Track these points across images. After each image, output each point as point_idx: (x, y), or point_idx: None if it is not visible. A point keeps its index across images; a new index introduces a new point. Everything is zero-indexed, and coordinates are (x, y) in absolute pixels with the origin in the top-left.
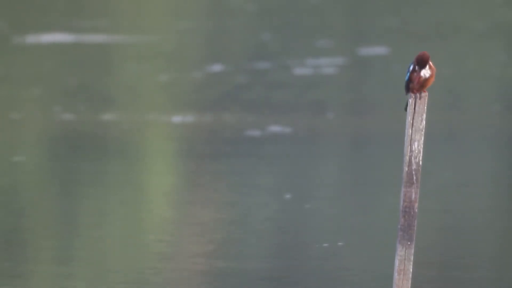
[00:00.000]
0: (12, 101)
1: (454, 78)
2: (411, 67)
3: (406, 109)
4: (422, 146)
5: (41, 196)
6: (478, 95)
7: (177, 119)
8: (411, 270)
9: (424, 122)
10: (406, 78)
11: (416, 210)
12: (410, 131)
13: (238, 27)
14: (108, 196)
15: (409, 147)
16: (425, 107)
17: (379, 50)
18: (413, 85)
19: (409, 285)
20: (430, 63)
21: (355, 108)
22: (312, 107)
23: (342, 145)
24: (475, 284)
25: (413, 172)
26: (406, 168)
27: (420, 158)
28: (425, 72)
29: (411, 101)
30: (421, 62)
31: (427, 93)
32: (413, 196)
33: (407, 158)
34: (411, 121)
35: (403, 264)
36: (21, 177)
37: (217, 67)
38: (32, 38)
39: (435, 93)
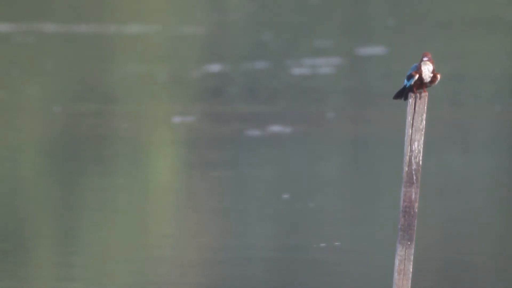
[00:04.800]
0: (9, 97)
1: (454, 78)
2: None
3: (394, 97)
4: (422, 146)
5: (41, 197)
6: (479, 95)
7: (176, 119)
8: (411, 270)
9: (424, 122)
10: (407, 83)
11: (416, 210)
12: (410, 131)
13: (237, 27)
14: (108, 196)
15: (409, 147)
16: (425, 107)
17: (378, 50)
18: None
19: (409, 285)
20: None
21: (354, 107)
22: (311, 107)
23: (342, 145)
24: (475, 284)
25: (413, 172)
26: (406, 168)
27: (420, 158)
28: (427, 72)
29: (411, 101)
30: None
31: (427, 93)
32: (413, 196)
33: (407, 158)
34: (411, 121)
35: (403, 264)
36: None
37: (215, 67)
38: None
39: (435, 93)
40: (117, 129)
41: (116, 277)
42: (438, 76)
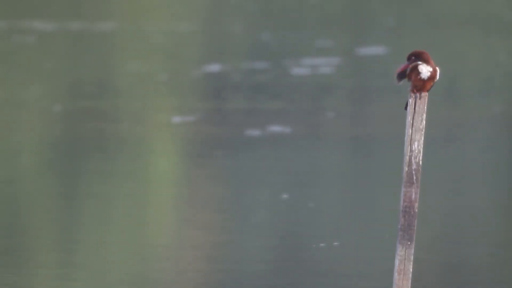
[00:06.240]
0: (7, 97)
1: (454, 78)
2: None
3: (406, 108)
4: (422, 146)
5: (41, 196)
6: (478, 95)
7: (176, 119)
8: (411, 270)
9: (424, 122)
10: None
11: (416, 210)
12: (410, 131)
13: (237, 27)
14: (108, 196)
15: (409, 147)
16: (425, 107)
17: (378, 50)
18: (412, 84)
19: (409, 285)
20: (432, 62)
21: (354, 107)
22: (311, 107)
23: (342, 145)
24: (476, 284)
25: (413, 172)
26: (406, 168)
27: (420, 158)
28: (425, 72)
29: (411, 101)
30: (420, 57)
31: (427, 93)
32: (413, 196)
33: (407, 158)
34: (411, 121)
35: (403, 264)
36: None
37: (215, 67)
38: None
39: (434, 92)
40: (117, 128)
41: (116, 277)
42: (437, 69)
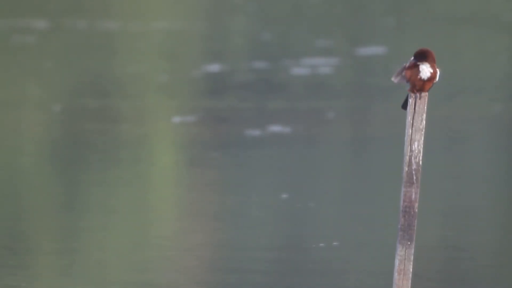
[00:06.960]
0: (7, 96)
1: (454, 77)
2: (410, 62)
3: (403, 107)
4: (422, 146)
5: (41, 196)
6: (478, 95)
7: (176, 119)
8: (411, 270)
9: (424, 122)
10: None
11: (416, 210)
12: (410, 131)
13: (237, 27)
14: (108, 196)
15: (409, 147)
16: (425, 107)
17: (378, 49)
18: (411, 84)
19: (409, 285)
20: (434, 64)
21: (354, 107)
22: (311, 107)
23: (342, 145)
24: (476, 284)
25: (413, 172)
26: (406, 168)
27: (420, 158)
28: (426, 72)
29: (411, 101)
30: (420, 56)
31: (427, 93)
32: (413, 196)
33: (407, 158)
34: (411, 121)
35: (403, 264)
36: (22, 176)
37: (215, 67)
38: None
39: (435, 92)
40: (117, 128)
41: (116, 277)
42: (438, 70)
